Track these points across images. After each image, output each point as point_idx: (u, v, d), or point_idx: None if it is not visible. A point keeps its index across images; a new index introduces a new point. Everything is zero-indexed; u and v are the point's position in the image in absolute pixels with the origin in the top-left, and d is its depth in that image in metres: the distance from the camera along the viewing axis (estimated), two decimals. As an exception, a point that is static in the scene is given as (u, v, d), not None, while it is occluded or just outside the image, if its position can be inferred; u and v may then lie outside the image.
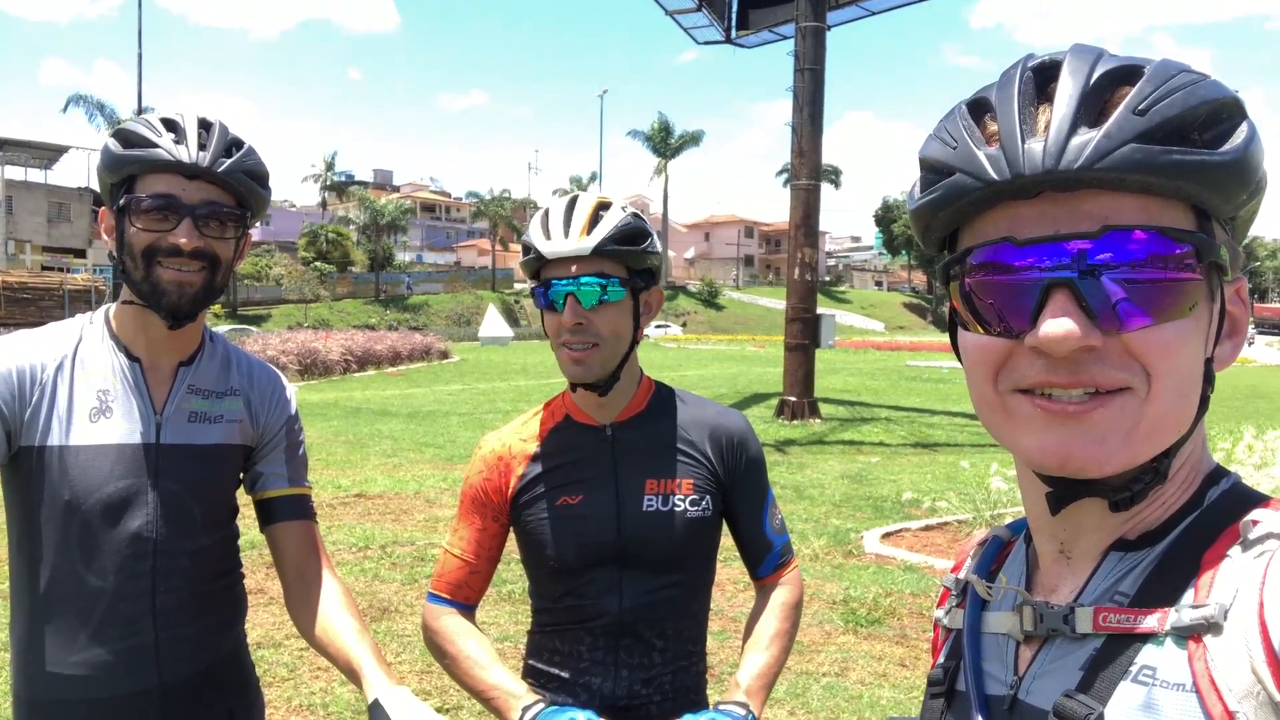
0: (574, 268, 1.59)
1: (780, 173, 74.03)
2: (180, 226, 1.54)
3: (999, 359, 0.71)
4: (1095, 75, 0.69)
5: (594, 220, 1.61)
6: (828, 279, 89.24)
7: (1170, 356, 0.67)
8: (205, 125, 1.60)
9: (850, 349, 44.31)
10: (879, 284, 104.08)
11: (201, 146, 1.56)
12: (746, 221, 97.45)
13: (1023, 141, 0.68)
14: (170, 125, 1.58)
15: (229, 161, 1.58)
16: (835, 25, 16.59)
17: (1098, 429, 0.67)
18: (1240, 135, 0.68)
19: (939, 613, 0.94)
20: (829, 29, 15.71)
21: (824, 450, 12.20)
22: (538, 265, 1.63)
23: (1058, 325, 0.65)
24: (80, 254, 50.98)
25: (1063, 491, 0.72)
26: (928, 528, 7.66)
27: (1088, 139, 0.66)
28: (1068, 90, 0.68)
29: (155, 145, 1.55)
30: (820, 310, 15.64)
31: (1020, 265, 0.68)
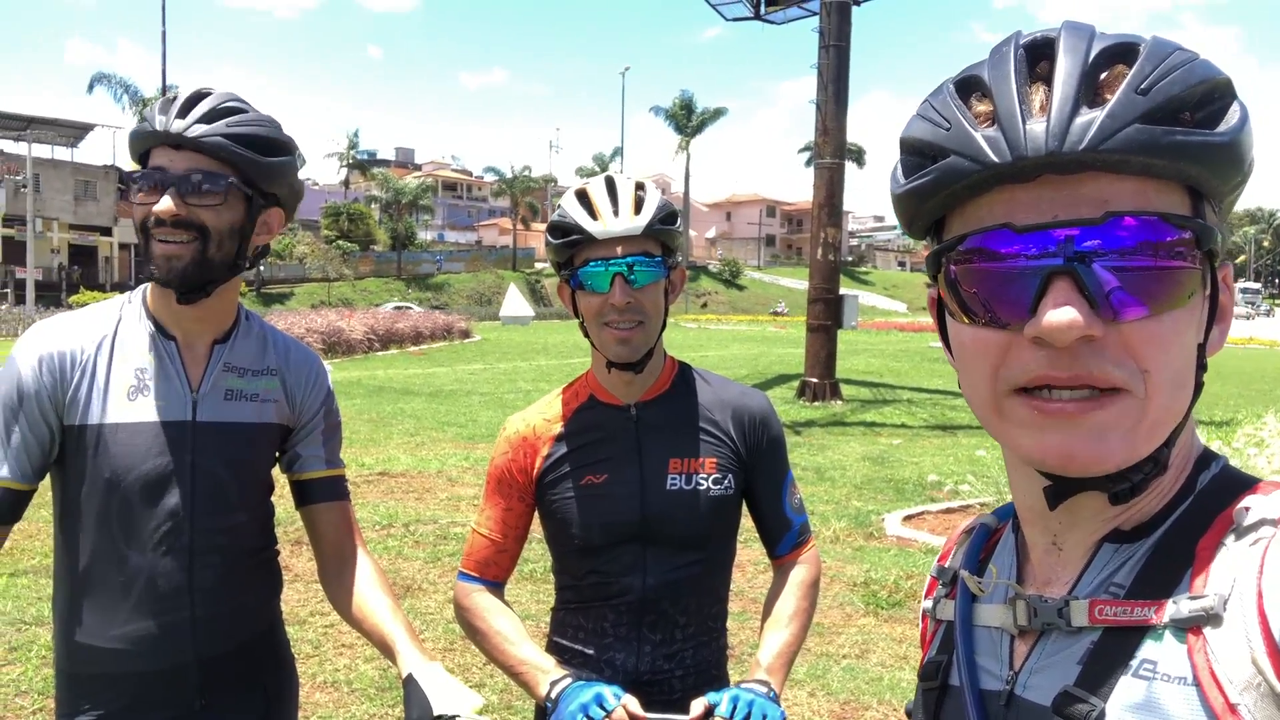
0: (619, 248, 1.59)
1: (803, 150, 73.44)
2: (164, 196, 1.53)
3: (998, 355, 0.69)
4: (1093, 53, 0.67)
5: (638, 201, 1.61)
6: (850, 259, 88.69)
7: (1167, 350, 0.66)
8: (199, 96, 1.57)
9: (873, 330, 44.07)
10: (902, 264, 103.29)
11: (181, 115, 1.54)
12: (768, 201, 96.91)
13: (1023, 122, 0.65)
14: (171, 100, 1.58)
15: (206, 127, 1.53)
16: (861, 1, 16.37)
17: (1098, 429, 0.66)
18: (1234, 116, 0.66)
19: (927, 603, 0.93)
20: (856, 4, 15.51)
21: (845, 432, 12.16)
22: (574, 248, 1.62)
23: (1062, 314, 0.63)
24: (106, 232, 51.53)
25: (1061, 486, 0.71)
26: (949, 510, 7.63)
27: (1091, 119, 0.64)
28: (1066, 69, 0.66)
29: (147, 120, 1.56)
30: (843, 291, 15.52)
31: (1010, 253, 0.66)
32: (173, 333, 1.65)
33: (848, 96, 14.95)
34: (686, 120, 70.38)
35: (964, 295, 0.70)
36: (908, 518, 7.36)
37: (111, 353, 1.61)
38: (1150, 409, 0.66)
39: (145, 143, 1.56)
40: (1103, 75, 0.66)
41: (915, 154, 0.73)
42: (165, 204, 1.51)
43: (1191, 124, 0.65)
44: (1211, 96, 0.66)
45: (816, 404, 14.54)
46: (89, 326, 1.62)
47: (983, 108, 0.69)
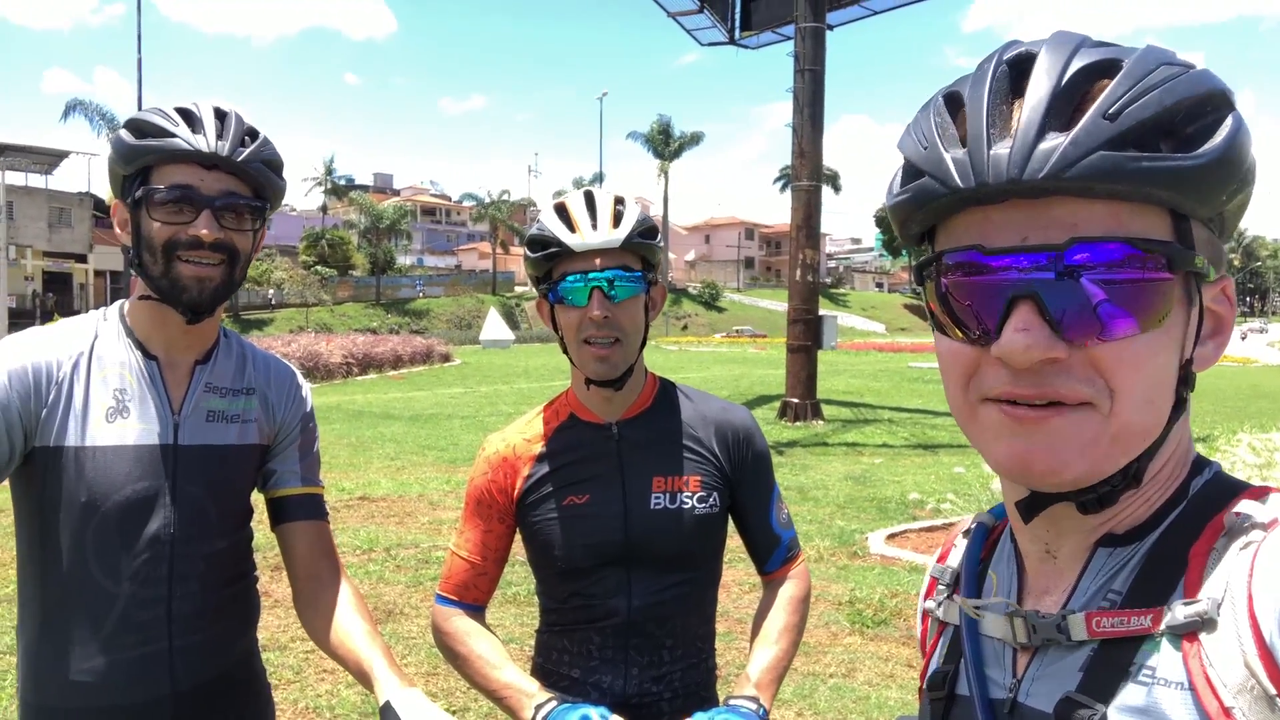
0: (598, 261, 1.57)
1: (779, 179, 74.04)
2: (200, 218, 1.50)
3: (970, 366, 0.70)
4: (1069, 72, 0.66)
5: (617, 214, 1.60)
6: (828, 281, 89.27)
7: (1136, 370, 0.66)
8: (220, 114, 1.55)
9: (852, 350, 44.28)
10: (879, 285, 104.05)
11: (219, 135, 1.52)
12: (747, 223, 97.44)
13: (989, 147, 0.66)
14: (185, 114, 1.53)
15: (247, 151, 1.53)
16: (836, 26, 16.58)
17: (1054, 437, 0.67)
18: (1222, 132, 0.65)
19: (929, 604, 0.92)
20: (829, 29, 15.71)
21: (827, 452, 12.18)
22: (552, 261, 1.60)
23: (1019, 338, 0.65)
24: (81, 259, 51.03)
25: (1034, 499, 0.72)
26: (931, 528, 7.64)
27: (1054, 146, 0.63)
28: (1038, 91, 0.66)
29: (172, 135, 1.50)
30: (822, 312, 15.61)
31: (986, 267, 0.68)
32: (155, 352, 1.60)
33: (823, 120, 15.10)
34: (665, 145, 70.80)
35: (956, 309, 0.71)
36: (891, 536, 7.36)
37: (89, 372, 1.54)
38: (1113, 425, 0.67)
39: (161, 158, 1.51)
40: (1084, 92, 0.66)
41: (906, 165, 0.74)
42: (206, 227, 1.49)
43: (1176, 143, 0.64)
44: (1201, 111, 0.65)
45: (798, 424, 14.57)
46: (63, 343, 1.55)
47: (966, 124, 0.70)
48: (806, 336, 14.99)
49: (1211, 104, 0.65)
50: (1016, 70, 0.69)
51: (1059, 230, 0.65)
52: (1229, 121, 0.65)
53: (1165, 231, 0.66)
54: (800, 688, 4.37)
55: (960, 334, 0.71)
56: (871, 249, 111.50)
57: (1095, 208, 0.65)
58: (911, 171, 0.73)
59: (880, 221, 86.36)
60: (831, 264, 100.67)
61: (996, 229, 0.67)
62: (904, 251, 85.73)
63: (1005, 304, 0.66)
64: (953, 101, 0.72)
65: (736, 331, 62.44)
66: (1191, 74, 0.66)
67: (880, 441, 13.16)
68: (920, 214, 0.72)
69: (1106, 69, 0.66)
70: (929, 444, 12.99)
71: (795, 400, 14.96)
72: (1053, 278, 0.65)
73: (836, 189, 78.61)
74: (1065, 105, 0.65)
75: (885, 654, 4.84)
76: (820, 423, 14.79)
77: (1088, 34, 0.70)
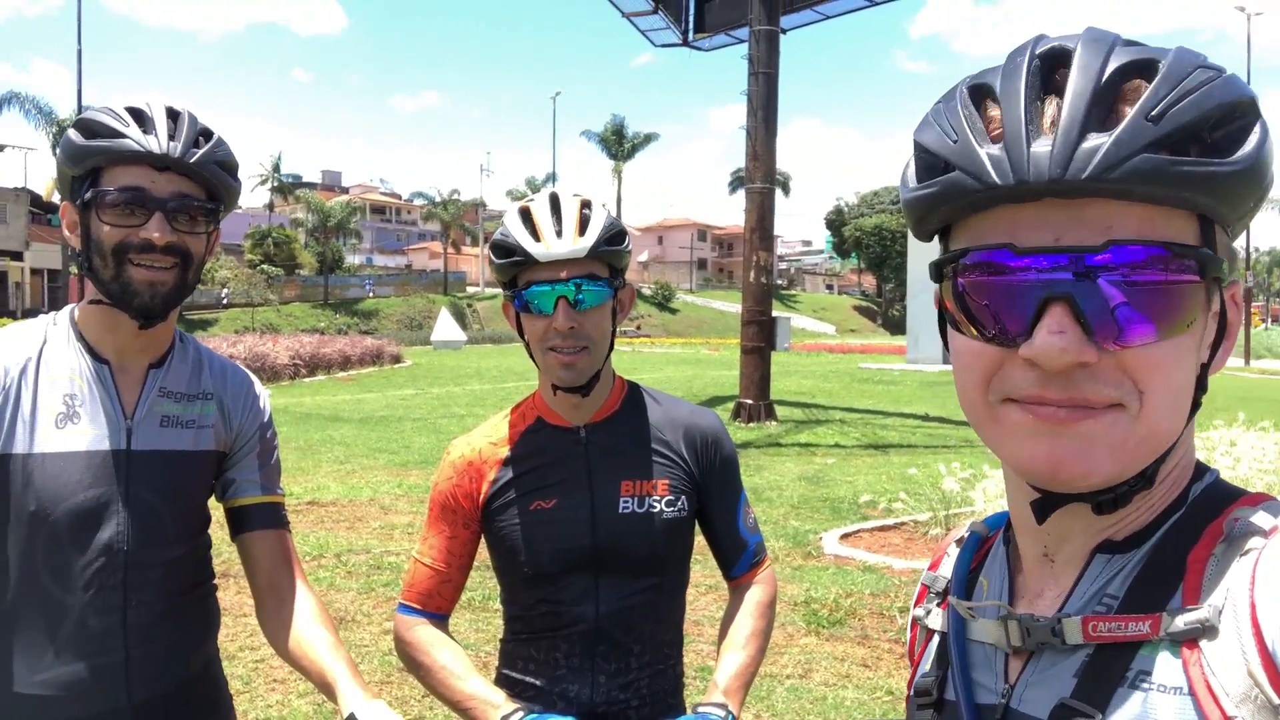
0: (564, 270, 1.55)
1: (732, 182, 74.53)
2: (151, 221, 1.46)
3: (991, 366, 0.69)
4: (1109, 70, 0.65)
5: (583, 220, 1.57)
6: (781, 283, 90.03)
7: (1164, 374, 0.66)
8: (173, 114, 1.52)
9: (803, 352, 44.68)
10: (829, 287, 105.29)
11: (171, 136, 1.48)
12: (700, 225, 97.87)
13: (1028, 144, 0.64)
14: (136, 114, 1.50)
15: (200, 152, 1.50)
16: (789, 29, 16.72)
17: (1085, 440, 0.66)
18: (1252, 140, 0.65)
19: (918, 611, 0.92)
20: (783, 33, 15.83)
21: (781, 452, 12.26)
22: (517, 268, 1.58)
23: (1055, 340, 0.63)
24: (17, 256, 49.50)
25: (1049, 500, 0.71)
26: (884, 528, 7.73)
27: (1097, 146, 0.62)
28: (1077, 87, 0.65)
29: (122, 135, 1.46)
30: (774, 313, 15.71)
31: (1018, 267, 0.66)
32: (106, 356, 1.56)
33: (777, 123, 15.21)
34: (618, 145, 70.91)
35: (973, 308, 0.70)
36: (844, 536, 7.43)
37: (37, 377, 1.51)
38: (1141, 428, 0.66)
39: (112, 159, 1.47)
40: (1119, 92, 0.65)
41: (926, 156, 0.72)
42: (158, 230, 1.45)
43: (1207, 148, 0.64)
44: (1230, 117, 0.65)
45: (752, 425, 14.64)
46: (10, 349, 1.52)
47: (994, 112, 0.68)
48: (760, 338, 15.08)
49: (1240, 111, 0.65)
50: (1049, 65, 0.68)
51: (1092, 232, 0.64)
52: (1257, 129, 0.65)
53: (1193, 236, 0.66)
54: (757, 689, 4.37)
55: (985, 332, 0.69)
56: (822, 251, 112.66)
57: (1130, 210, 0.64)
58: (934, 165, 0.71)
59: (831, 224, 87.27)
60: (783, 266, 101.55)
61: (1028, 227, 0.66)
62: (853, 254, 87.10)
63: (1038, 305, 0.65)
64: (979, 94, 0.70)
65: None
66: (1224, 79, 0.65)
67: (832, 442, 13.27)
68: (945, 209, 0.70)
69: (1143, 69, 0.65)
70: (880, 444, 13.14)
71: (749, 401, 15.03)
72: (1084, 274, 0.64)
73: (787, 191, 79.35)
74: (1105, 102, 0.64)
75: (841, 654, 4.88)
76: (773, 423, 14.89)
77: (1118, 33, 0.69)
